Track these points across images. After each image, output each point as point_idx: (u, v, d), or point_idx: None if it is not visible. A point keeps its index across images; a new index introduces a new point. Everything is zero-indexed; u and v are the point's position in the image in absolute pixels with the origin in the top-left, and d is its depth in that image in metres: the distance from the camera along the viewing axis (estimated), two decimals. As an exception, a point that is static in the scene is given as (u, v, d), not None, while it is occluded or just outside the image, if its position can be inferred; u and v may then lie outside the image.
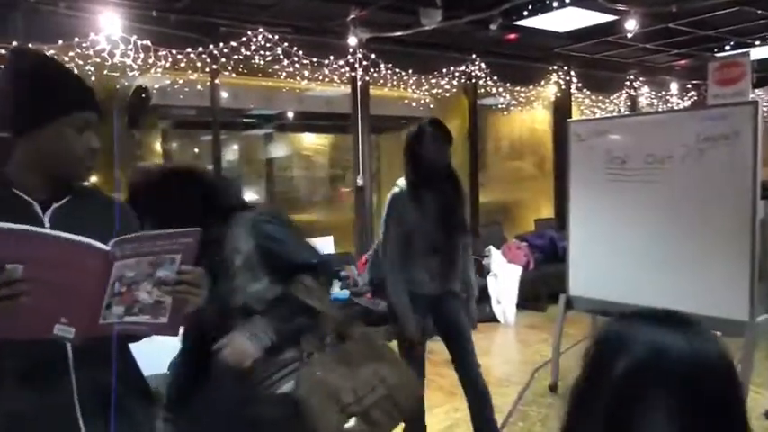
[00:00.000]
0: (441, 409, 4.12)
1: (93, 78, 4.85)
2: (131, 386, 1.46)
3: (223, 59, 5.32)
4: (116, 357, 1.28)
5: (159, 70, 5.15)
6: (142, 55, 4.87)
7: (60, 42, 4.61)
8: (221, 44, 5.26)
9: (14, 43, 4.44)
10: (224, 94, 6.14)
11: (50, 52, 4.58)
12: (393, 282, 2.94)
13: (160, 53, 4.99)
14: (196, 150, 8.90)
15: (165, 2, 5.00)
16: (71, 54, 4.65)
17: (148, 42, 4.86)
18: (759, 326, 3.55)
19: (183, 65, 5.20)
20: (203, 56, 5.24)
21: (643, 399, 0.84)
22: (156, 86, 6.23)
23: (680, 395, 0.83)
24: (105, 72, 4.85)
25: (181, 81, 5.52)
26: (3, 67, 1.42)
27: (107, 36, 4.73)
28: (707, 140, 3.69)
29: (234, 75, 5.52)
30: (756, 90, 8.14)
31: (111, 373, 1.28)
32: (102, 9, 4.75)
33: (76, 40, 4.64)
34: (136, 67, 4.90)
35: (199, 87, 5.56)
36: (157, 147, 7.74)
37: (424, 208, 2.93)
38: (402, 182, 3.01)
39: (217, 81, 5.52)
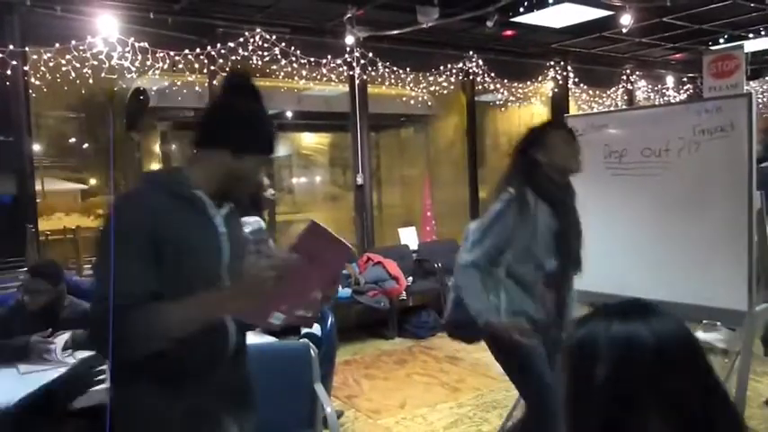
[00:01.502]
0: (445, 404, 4.14)
1: (90, 81, 4.88)
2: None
3: (221, 60, 5.34)
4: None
5: (157, 72, 5.17)
6: (140, 57, 4.89)
7: (57, 45, 4.63)
8: (219, 45, 5.28)
9: (11, 47, 4.47)
10: (222, 95, 6.16)
11: (47, 55, 4.61)
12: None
13: (158, 55, 5.01)
14: (195, 152, 8.93)
15: (162, 4, 5.02)
16: (68, 57, 4.68)
17: (146, 44, 4.88)
18: (758, 315, 3.58)
19: (181, 66, 5.22)
20: (201, 57, 5.26)
21: (630, 397, 0.86)
22: (155, 88, 6.26)
23: (659, 381, 0.85)
24: (103, 75, 4.87)
25: (179, 83, 5.55)
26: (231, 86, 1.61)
27: (104, 38, 4.75)
28: (703, 133, 3.71)
29: (232, 75, 5.53)
30: (751, 82, 8.17)
31: (245, 365, 1.60)
32: (99, 12, 4.77)
33: (74, 42, 4.67)
34: (133, 69, 4.92)
35: (197, 89, 5.58)
36: (156, 149, 7.77)
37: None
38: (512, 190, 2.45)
39: (215, 82, 5.54)
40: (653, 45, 7.60)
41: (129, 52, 4.82)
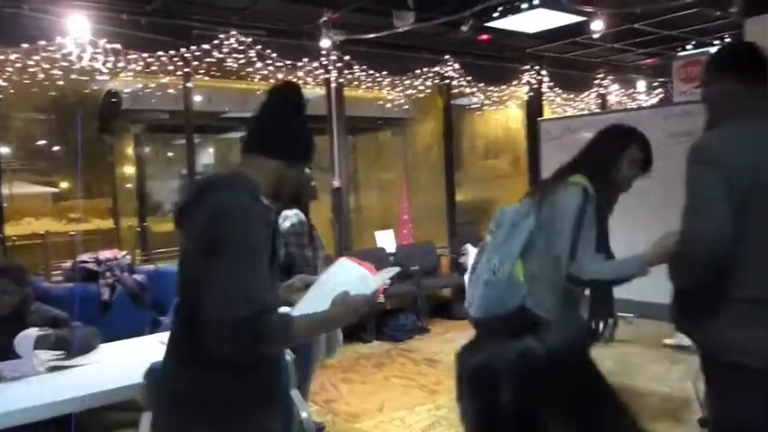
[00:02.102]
0: (423, 407, 4.15)
1: (60, 82, 4.79)
2: None
3: (196, 62, 5.28)
4: None
5: (130, 74, 5.10)
6: (112, 58, 4.81)
7: (25, 45, 4.53)
8: (194, 47, 5.22)
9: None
10: (198, 98, 6.10)
11: (14, 56, 4.51)
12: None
13: (131, 56, 4.94)
14: (170, 154, 8.84)
15: (135, 4, 4.96)
16: (36, 58, 4.57)
17: (118, 46, 4.80)
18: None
19: (155, 68, 5.15)
20: (175, 59, 5.20)
21: (535, 409, 0.87)
22: (128, 90, 6.18)
23: (556, 389, 0.87)
24: (74, 76, 4.78)
25: (153, 85, 5.47)
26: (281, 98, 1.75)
27: (75, 39, 4.66)
28: (671, 136, 3.78)
29: (207, 78, 5.49)
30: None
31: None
32: (69, 12, 4.67)
33: (42, 43, 4.57)
34: (105, 70, 4.84)
35: (171, 91, 5.51)
36: (130, 152, 7.67)
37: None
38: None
39: (190, 84, 5.49)
40: (625, 50, 7.72)
41: (100, 54, 4.74)
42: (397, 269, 1.71)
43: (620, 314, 4.87)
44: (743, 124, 1.81)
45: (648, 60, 8.50)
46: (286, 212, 3.24)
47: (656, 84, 9.22)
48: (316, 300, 1.59)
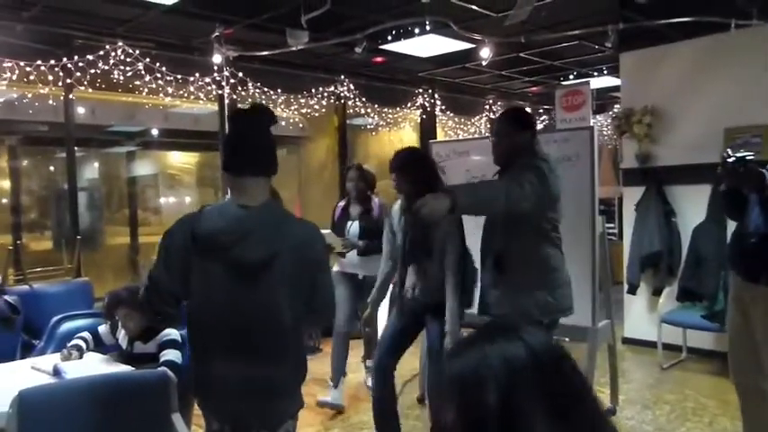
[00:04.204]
0: (311, 428, 4.11)
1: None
2: None
3: (78, 73, 5.04)
4: None
5: (4, 83, 4.78)
6: (-17, 65, 4.50)
7: None
8: (76, 57, 4.98)
9: None
10: (80, 110, 5.81)
11: None
12: None
13: (5, 65, 4.64)
14: (52, 168, 8.32)
15: (10, 11, 4.67)
16: None
17: (-9, 52, 4.50)
18: (600, 331, 3.89)
19: (32, 78, 4.86)
20: (56, 69, 4.94)
21: (525, 413, 0.88)
22: (1, 100, 5.77)
23: (540, 391, 0.88)
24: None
25: (30, 95, 5.16)
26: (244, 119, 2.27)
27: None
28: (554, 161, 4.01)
29: (91, 89, 5.24)
30: (598, 116, 8.95)
31: None
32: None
33: None
34: (-24, 78, 4.51)
35: (51, 102, 5.22)
36: (3, 164, 7.14)
37: None
38: None
39: (71, 96, 5.21)
40: (512, 78, 8.12)
41: (-30, 60, 4.42)
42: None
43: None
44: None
45: (534, 88, 8.98)
46: None
47: (542, 111, 9.76)
48: None
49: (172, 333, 3.19)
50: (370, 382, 4.02)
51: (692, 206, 5.35)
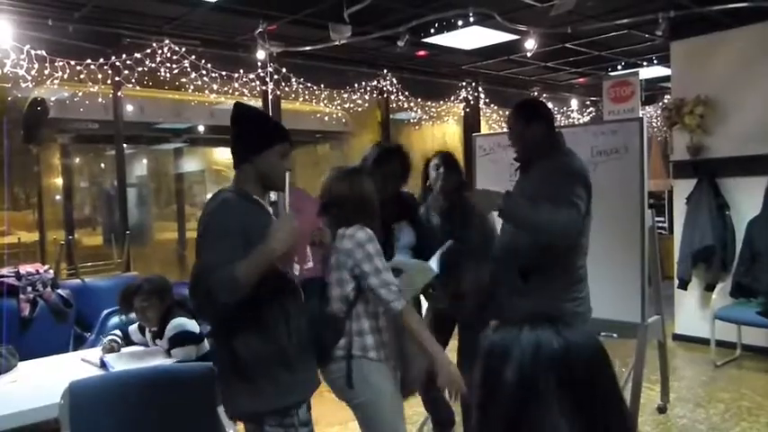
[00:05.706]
0: (355, 423, 4.10)
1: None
2: None
3: (127, 71, 5.15)
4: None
5: (56, 82, 4.92)
6: (37, 65, 4.62)
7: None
8: (124, 56, 5.09)
9: None
10: (129, 107, 5.94)
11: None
12: None
13: (57, 64, 4.77)
14: (102, 165, 8.56)
15: (62, 11, 4.79)
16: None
17: (43, 52, 4.63)
18: (650, 327, 3.78)
19: (83, 76, 4.98)
20: (105, 67, 5.05)
21: (535, 398, 0.89)
22: (54, 99, 5.96)
23: (562, 383, 0.89)
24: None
25: (81, 93, 5.30)
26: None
27: (-4, 45, 4.47)
28: (600, 154, 3.91)
29: (138, 87, 5.35)
30: (647, 107, 8.70)
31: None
32: (-10, 16, 4.49)
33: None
34: (29, 77, 4.64)
35: (101, 100, 5.35)
36: (57, 162, 7.38)
37: None
38: None
39: (120, 93, 5.33)
40: (558, 69, 7.95)
41: (24, 60, 4.56)
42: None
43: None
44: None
45: (581, 79, 8.78)
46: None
47: (588, 102, 9.55)
48: None
49: (184, 324, 3.14)
50: None
51: (747, 199, 5.16)
